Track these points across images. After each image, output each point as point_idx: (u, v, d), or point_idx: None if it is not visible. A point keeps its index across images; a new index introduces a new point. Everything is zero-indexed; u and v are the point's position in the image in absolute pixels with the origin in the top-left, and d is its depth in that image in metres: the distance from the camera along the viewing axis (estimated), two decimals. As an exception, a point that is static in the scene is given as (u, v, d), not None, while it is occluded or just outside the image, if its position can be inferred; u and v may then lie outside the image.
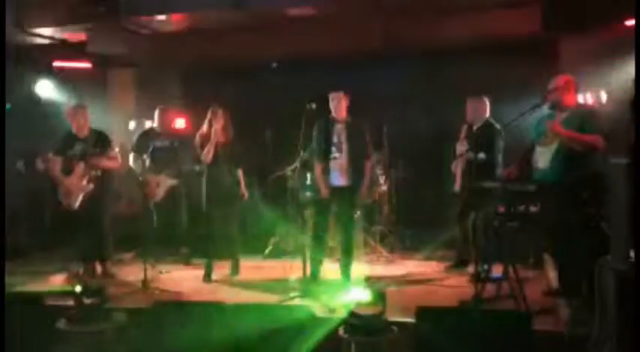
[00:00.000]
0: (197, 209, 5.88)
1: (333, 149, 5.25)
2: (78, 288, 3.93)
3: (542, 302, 4.44)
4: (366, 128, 5.36)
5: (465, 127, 5.72)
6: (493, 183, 4.61)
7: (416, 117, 7.41)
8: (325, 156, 5.22)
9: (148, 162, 6.14)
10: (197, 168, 6.01)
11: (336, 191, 5.24)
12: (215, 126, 5.47)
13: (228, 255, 5.79)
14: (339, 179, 5.25)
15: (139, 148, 6.24)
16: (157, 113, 6.46)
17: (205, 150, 5.48)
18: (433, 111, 7.42)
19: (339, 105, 5.27)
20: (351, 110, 5.36)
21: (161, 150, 6.22)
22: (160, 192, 6.22)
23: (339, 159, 5.24)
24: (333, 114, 5.29)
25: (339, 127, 5.29)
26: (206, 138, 5.50)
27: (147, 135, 6.45)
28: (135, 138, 6.45)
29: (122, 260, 6.52)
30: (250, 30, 7.51)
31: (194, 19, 7.02)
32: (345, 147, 5.24)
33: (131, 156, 6.22)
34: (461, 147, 5.55)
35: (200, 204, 5.68)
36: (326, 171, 5.23)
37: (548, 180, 4.22)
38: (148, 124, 7.79)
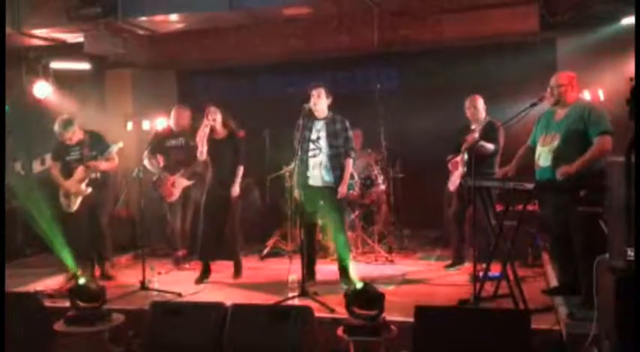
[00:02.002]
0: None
1: (312, 147, 5.16)
2: (82, 280, 3.93)
3: (541, 300, 4.45)
4: (347, 125, 5.23)
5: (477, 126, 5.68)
6: (492, 182, 4.62)
7: (414, 117, 7.41)
8: (304, 154, 5.11)
9: (162, 162, 6.14)
10: (198, 168, 6.02)
11: (317, 190, 5.19)
12: (207, 124, 5.44)
13: (228, 257, 5.78)
14: (319, 178, 5.19)
15: (154, 148, 6.18)
16: (172, 112, 6.36)
17: (199, 148, 5.45)
18: (431, 110, 7.43)
19: (319, 101, 5.14)
20: (334, 106, 5.26)
21: (176, 149, 6.18)
22: (176, 193, 6.19)
23: (319, 157, 5.17)
24: (314, 111, 5.15)
25: (318, 125, 5.21)
26: (202, 137, 5.48)
27: (162, 134, 6.37)
28: (150, 137, 6.35)
29: (119, 261, 6.53)
30: (246, 29, 7.52)
31: (190, 19, 7.01)
32: (324, 144, 5.15)
33: (145, 155, 6.14)
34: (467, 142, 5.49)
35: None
36: (305, 170, 5.14)
37: (549, 178, 4.22)
38: (145, 124, 7.80)
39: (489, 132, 5.35)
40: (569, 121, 4.28)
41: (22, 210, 6.96)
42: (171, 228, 6.36)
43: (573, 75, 4.41)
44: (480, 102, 5.64)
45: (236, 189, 5.55)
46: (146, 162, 6.17)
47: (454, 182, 5.70)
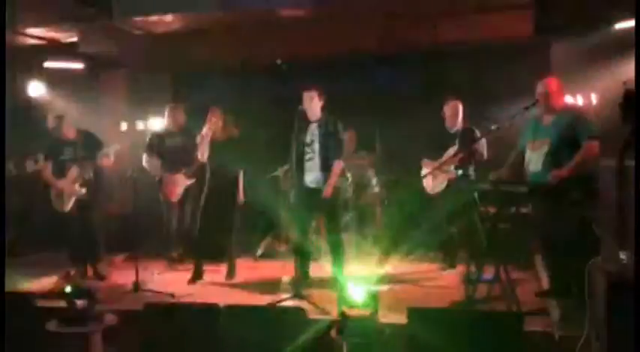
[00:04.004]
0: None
1: (307, 150, 5.16)
2: (68, 288, 3.91)
3: (533, 303, 4.46)
4: (339, 127, 5.22)
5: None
6: (487, 185, 4.63)
7: (409, 119, 7.42)
8: (300, 157, 5.11)
9: (161, 162, 6.11)
10: (197, 168, 6.03)
11: (313, 192, 5.17)
12: (213, 126, 5.44)
13: (222, 258, 5.77)
14: (314, 180, 5.17)
15: (152, 148, 6.14)
16: (167, 112, 6.31)
17: (200, 149, 5.46)
18: (427, 113, 7.44)
19: (312, 104, 5.13)
20: (327, 109, 5.23)
21: (174, 148, 6.17)
22: (178, 192, 6.16)
23: (314, 160, 5.16)
24: (307, 114, 5.15)
25: (312, 127, 5.19)
26: (205, 139, 5.48)
27: (160, 134, 6.32)
28: (148, 137, 6.29)
29: (113, 261, 6.51)
30: (242, 31, 7.51)
31: (186, 19, 7.01)
32: (318, 147, 5.14)
33: (144, 157, 6.10)
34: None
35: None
36: (301, 173, 5.14)
37: (540, 182, 4.25)
38: (140, 125, 7.79)
39: (473, 138, 5.38)
40: (558, 127, 4.31)
41: (15, 209, 6.96)
42: (166, 229, 6.32)
43: (559, 80, 4.46)
44: (460, 108, 5.70)
45: (240, 196, 5.62)
46: (146, 164, 6.13)
47: (435, 186, 5.71)
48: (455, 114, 5.70)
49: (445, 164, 5.57)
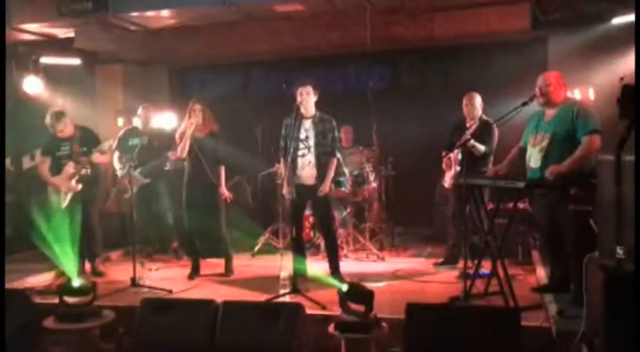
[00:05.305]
0: (179, 206, 5.84)
1: (302, 146, 5.14)
2: (76, 282, 3.91)
3: (531, 298, 4.47)
4: (334, 124, 5.21)
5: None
6: (483, 180, 4.63)
7: (406, 114, 7.42)
8: (293, 153, 5.08)
9: (124, 160, 6.16)
10: (168, 165, 6.08)
11: (307, 189, 5.17)
12: (192, 121, 5.41)
13: (216, 254, 5.77)
14: (308, 177, 5.15)
15: (119, 146, 6.28)
16: (139, 111, 6.46)
17: (180, 145, 5.43)
18: (423, 108, 7.44)
19: (307, 99, 5.09)
20: (320, 105, 5.21)
21: (136, 147, 6.18)
22: (132, 190, 6.18)
23: (308, 157, 5.14)
24: (302, 110, 5.09)
25: (307, 124, 5.16)
26: (184, 134, 5.44)
27: (127, 133, 6.46)
28: (118, 135, 6.42)
29: (109, 258, 6.50)
30: (239, 26, 7.49)
31: (182, 15, 6.98)
32: (312, 143, 5.12)
33: (115, 154, 6.25)
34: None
35: (180, 202, 5.66)
36: (294, 169, 5.12)
37: (537, 178, 4.24)
38: (135, 121, 7.79)
39: (484, 131, 5.36)
40: (558, 121, 4.30)
41: (12, 206, 6.94)
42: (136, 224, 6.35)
43: (560, 74, 4.45)
44: (477, 100, 5.63)
45: (224, 191, 5.56)
46: (116, 161, 6.26)
47: (448, 180, 5.71)
48: (470, 104, 5.62)
49: (447, 157, 5.55)
